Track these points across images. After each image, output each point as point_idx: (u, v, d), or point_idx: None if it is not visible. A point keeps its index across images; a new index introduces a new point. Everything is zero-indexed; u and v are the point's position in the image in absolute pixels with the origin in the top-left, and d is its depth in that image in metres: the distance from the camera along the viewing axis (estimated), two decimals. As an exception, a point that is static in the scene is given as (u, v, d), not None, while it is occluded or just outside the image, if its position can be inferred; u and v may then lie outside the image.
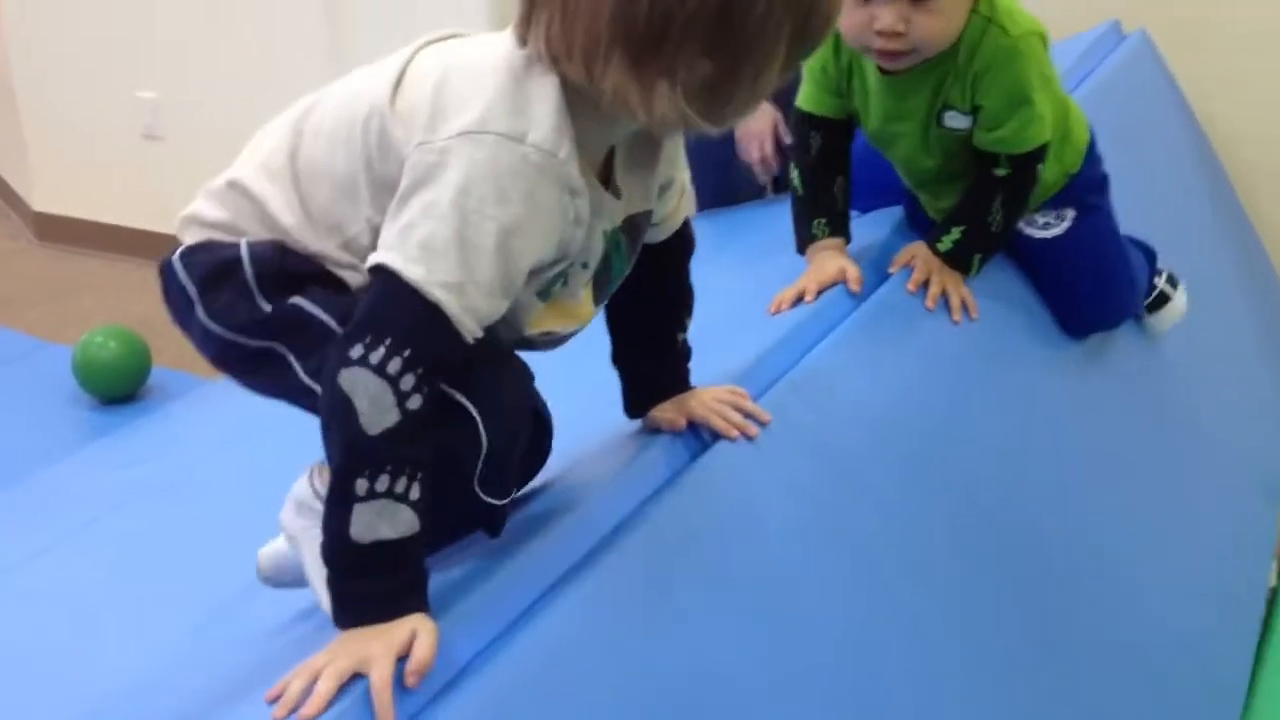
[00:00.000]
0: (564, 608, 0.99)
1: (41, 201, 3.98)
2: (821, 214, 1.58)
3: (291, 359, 1.01)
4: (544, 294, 1.03)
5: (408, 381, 0.90)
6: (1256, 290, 2.52)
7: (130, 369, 2.72)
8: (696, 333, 1.22)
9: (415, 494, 0.91)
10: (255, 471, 1.89)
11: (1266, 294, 2.57)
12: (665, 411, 1.20)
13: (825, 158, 1.61)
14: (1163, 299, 1.88)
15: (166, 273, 1.05)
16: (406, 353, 0.90)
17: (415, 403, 0.90)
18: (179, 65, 3.64)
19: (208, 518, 1.73)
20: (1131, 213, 1.99)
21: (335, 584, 0.92)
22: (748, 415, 1.22)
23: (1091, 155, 1.70)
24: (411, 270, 0.91)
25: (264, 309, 1.01)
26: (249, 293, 1.01)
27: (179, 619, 1.39)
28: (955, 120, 1.54)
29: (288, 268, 1.01)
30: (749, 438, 1.21)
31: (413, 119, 0.95)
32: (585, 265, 1.03)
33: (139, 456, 2.18)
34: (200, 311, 1.03)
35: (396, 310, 0.92)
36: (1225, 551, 1.90)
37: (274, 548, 1.19)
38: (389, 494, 0.90)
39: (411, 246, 0.92)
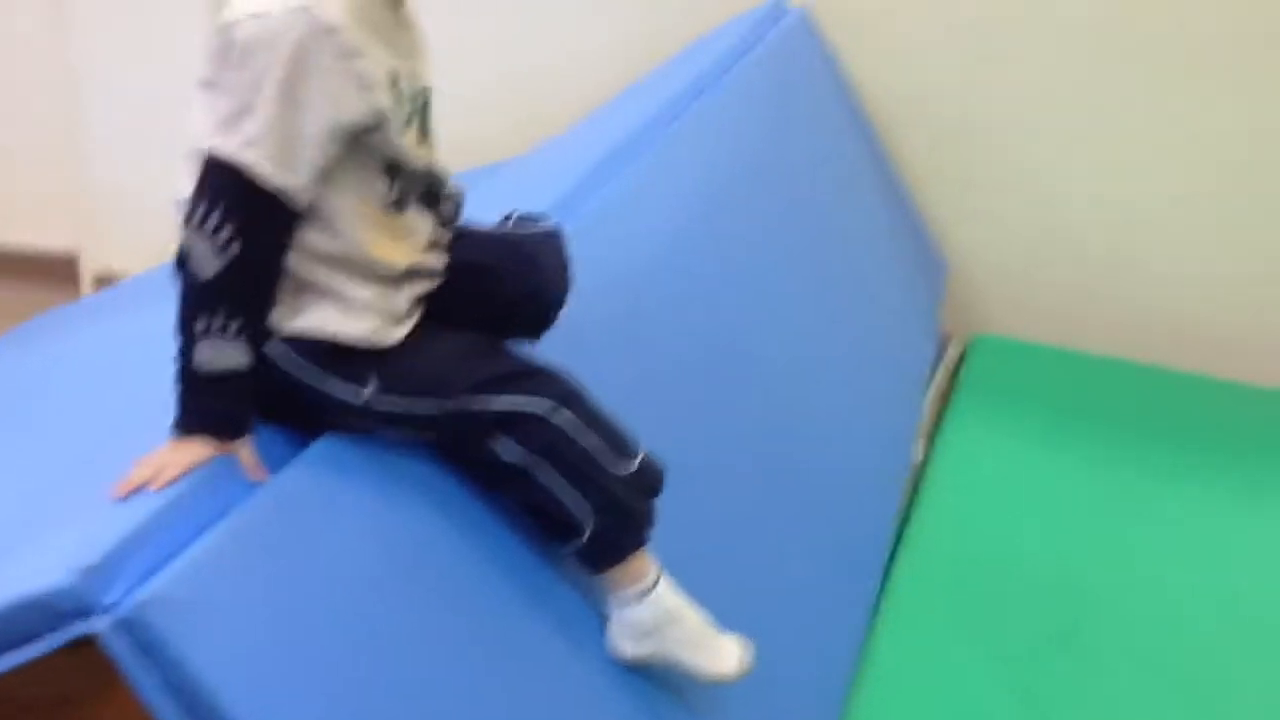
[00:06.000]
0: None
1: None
2: None
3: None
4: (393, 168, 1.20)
5: (224, 233, 1.08)
6: (905, 231, 2.73)
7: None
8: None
9: (241, 337, 1.11)
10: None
11: (912, 234, 2.75)
12: None
13: None
14: None
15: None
16: (220, 207, 1.08)
17: (234, 249, 1.08)
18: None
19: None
20: (793, 182, 2.32)
21: (181, 398, 1.12)
22: None
23: None
24: (209, 143, 1.09)
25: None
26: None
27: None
28: None
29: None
30: None
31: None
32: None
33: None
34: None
35: (203, 180, 1.09)
36: (876, 427, 2.18)
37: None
38: (222, 331, 1.10)
39: (211, 127, 1.10)
